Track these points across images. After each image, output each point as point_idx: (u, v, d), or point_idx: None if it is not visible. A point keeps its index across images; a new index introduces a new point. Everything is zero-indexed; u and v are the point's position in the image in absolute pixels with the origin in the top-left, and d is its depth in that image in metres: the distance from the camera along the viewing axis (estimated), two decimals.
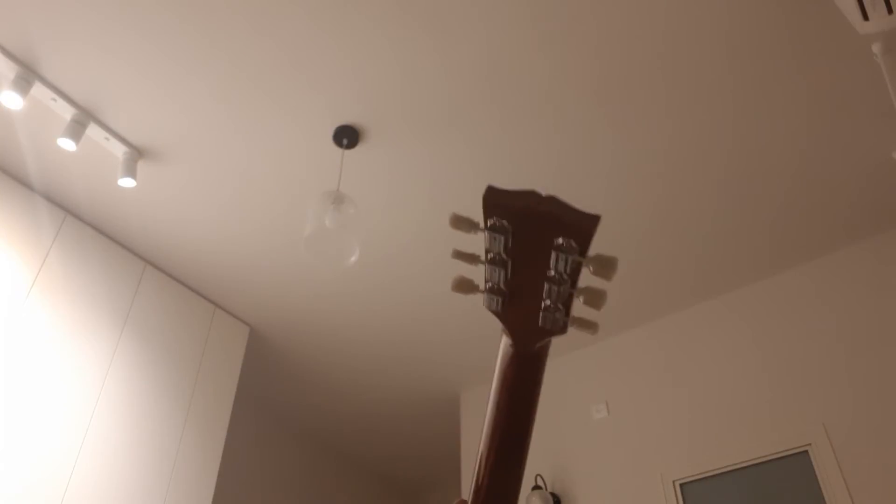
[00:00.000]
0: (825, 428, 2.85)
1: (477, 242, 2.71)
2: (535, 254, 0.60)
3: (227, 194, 2.97)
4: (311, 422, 4.52)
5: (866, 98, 2.59)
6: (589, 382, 3.69)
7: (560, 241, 0.59)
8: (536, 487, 3.43)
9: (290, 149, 2.79)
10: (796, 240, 3.17)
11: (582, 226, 0.59)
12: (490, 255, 0.61)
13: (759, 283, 3.38)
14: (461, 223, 0.61)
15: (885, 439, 2.70)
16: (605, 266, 0.58)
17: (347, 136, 2.70)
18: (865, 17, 2.04)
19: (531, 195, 0.61)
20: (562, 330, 0.61)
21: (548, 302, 0.60)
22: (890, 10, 2.00)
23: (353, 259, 2.49)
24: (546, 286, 0.60)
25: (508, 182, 2.91)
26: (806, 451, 2.86)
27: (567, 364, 3.85)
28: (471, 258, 0.63)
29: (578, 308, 0.63)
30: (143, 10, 2.33)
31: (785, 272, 3.33)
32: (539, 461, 3.62)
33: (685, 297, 3.49)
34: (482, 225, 0.61)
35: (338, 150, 2.78)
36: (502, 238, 0.60)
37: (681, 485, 3.10)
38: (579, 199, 2.98)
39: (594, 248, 3.25)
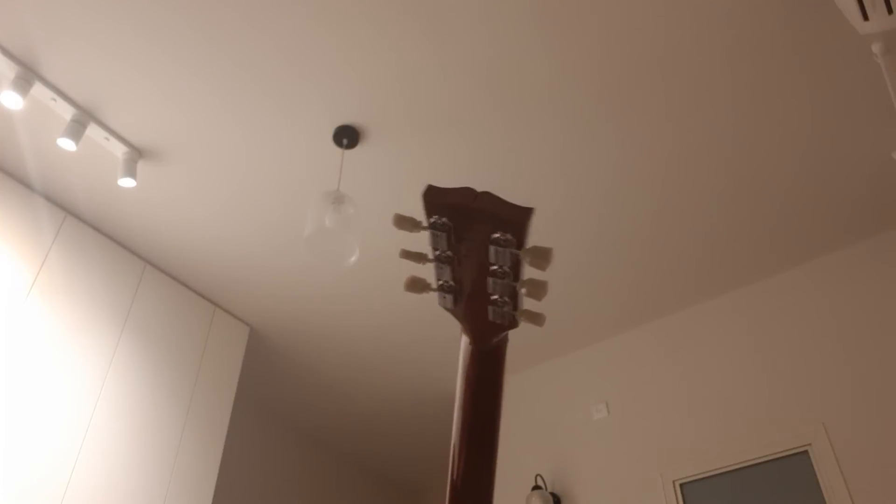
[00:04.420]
0: (825, 428, 2.85)
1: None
2: (476, 249, 0.61)
3: (227, 194, 2.97)
4: (311, 422, 4.52)
5: (866, 98, 2.59)
6: (589, 382, 3.69)
7: (497, 235, 0.59)
8: (536, 487, 3.43)
9: (290, 149, 2.79)
10: (796, 240, 3.17)
11: (517, 219, 0.59)
12: (436, 253, 0.62)
13: (759, 283, 3.39)
14: (404, 222, 0.62)
15: (885, 439, 2.70)
16: (540, 257, 0.58)
17: (347, 136, 2.70)
18: (865, 17, 2.04)
19: (467, 192, 0.61)
20: (512, 324, 0.62)
21: (495, 296, 0.61)
22: (890, 10, 2.00)
23: (353, 259, 2.49)
24: (490, 281, 0.61)
25: (508, 183, 2.91)
26: (806, 451, 2.86)
27: (567, 364, 3.85)
28: (418, 257, 0.64)
29: (522, 299, 0.65)
30: (143, 10, 2.33)
31: (785, 272, 3.33)
32: (539, 461, 3.62)
33: (685, 296, 3.49)
34: (425, 223, 0.62)
35: (338, 150, 2.78)
36: (444, 235, 0.61)
37: (681, 485, 3.10)
38: (579, 200, 2.98)
39: (600, 247, 3.24)
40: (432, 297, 3.49)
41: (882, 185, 2.92)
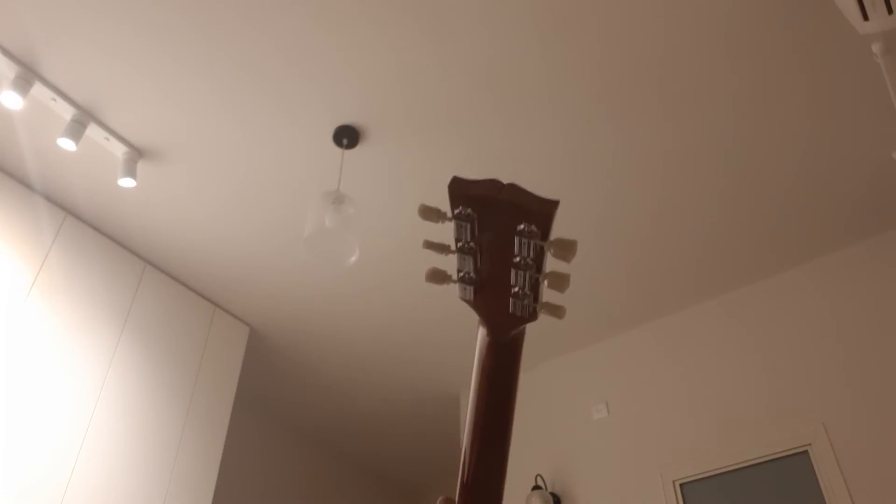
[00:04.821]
0: (825, 428, 2.85)
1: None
2: (500, 241, 0.61)
3: (227, 194, 2.97)
4: (311, 422, 4.52)
5: (866, 98, 2.59)
6: (589, 382, 3.69)
7: (522, 226, 0.59)
8: (536, 487, 3.43)
9: (290, 149, 2.79)
10: (796, 240, 3.17)
11: (542, 211, 0.59)
12: (459, 244, 0.62)
13: (759, 283, 3.39)
14: (429, 213, 0.62)
15: (885, 439, 2.70)
16: (565, 249, 0.58)
17: (347, 136, 2.70)
18: (865, 17, 2.04)
19: (493, 183, 0.61)
20: (532, 316, 0.62)
21: (516, 288, 0.61)
22: (890, 10, 2.00)
23: (353, 259, 2.49)
24: (513, 272, 0.61)
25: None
26: (806, 452, 2.86)
27: (567, 364, 3.85)
28: (441, 248, 0.64)
29: (543, 291, 0.66)
30: (143, 10, 2.33)
31: (785, 272, 3.33)
32: (539, 461, 3.62)
33: (685, 297, 3.49)
34: (449, 214, 0.62)
35: (338, 150, 2.79)
36: (468, 226, 0.61)
37: (681, 485, 3.10)
38: (579, 200, 2.98)
39: (600, 247, 3.24)
40: (432, 298, 3.49)
41: (882, 185, 2.92)
